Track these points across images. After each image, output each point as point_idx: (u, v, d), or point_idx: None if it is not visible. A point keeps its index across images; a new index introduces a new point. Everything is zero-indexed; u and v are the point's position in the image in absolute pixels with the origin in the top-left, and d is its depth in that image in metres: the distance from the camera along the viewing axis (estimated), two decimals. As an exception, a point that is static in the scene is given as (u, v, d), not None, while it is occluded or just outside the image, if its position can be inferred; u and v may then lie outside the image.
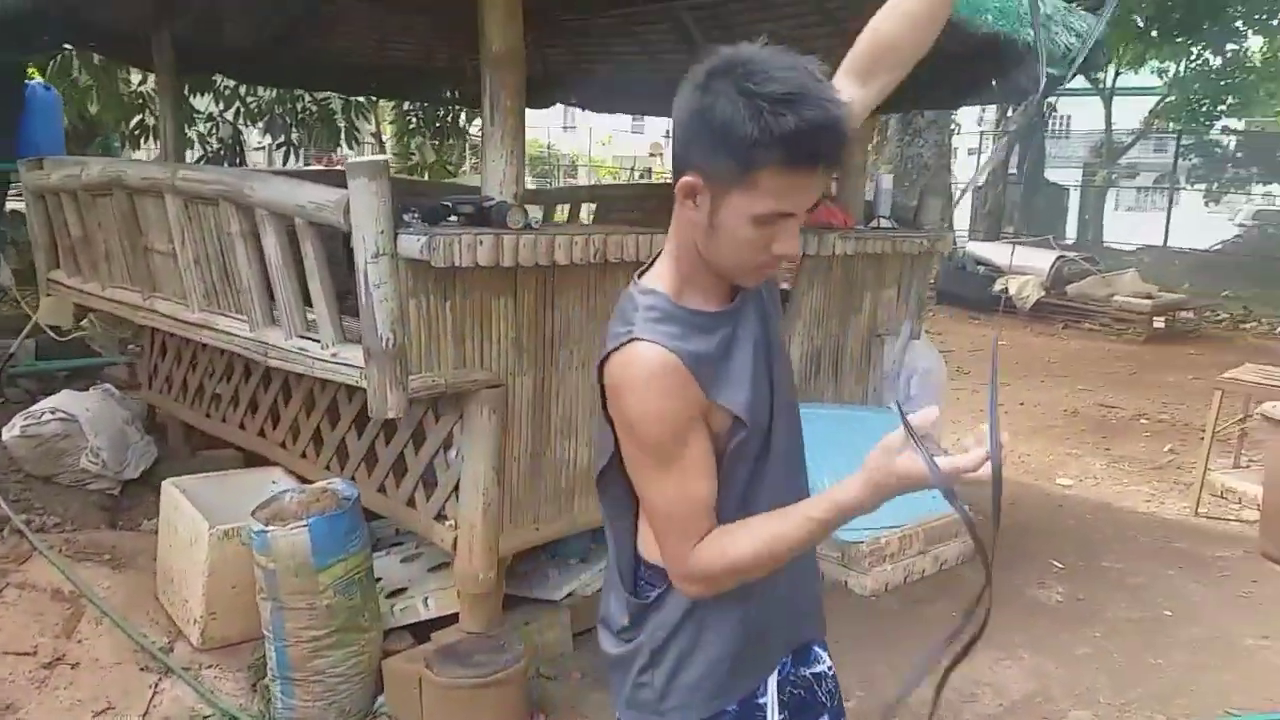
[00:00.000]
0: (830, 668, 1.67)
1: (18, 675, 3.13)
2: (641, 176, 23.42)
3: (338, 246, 3.34)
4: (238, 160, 8.48)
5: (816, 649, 1.66)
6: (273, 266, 3.31)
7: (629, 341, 1.36)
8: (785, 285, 1.68)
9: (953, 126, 14.88)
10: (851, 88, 1.46)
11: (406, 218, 2.99)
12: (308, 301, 3.26)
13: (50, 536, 3.86)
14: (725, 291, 1.44)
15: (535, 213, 6.21)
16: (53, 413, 4.20)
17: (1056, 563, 4.50)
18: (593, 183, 18.97)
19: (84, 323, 5.85)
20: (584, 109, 7.30)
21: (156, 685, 3.16)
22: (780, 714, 1.55)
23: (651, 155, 26.95)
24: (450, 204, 3.11)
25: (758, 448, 1.44)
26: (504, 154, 3.20)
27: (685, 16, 5.29)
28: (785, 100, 1.22)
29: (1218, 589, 4.35)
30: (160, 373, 4.88)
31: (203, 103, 8.25)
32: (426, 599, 3.36)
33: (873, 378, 4.79)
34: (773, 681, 1.56)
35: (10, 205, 6.32)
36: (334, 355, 3.14)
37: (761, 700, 1.54)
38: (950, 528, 4.38)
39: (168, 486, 3.59)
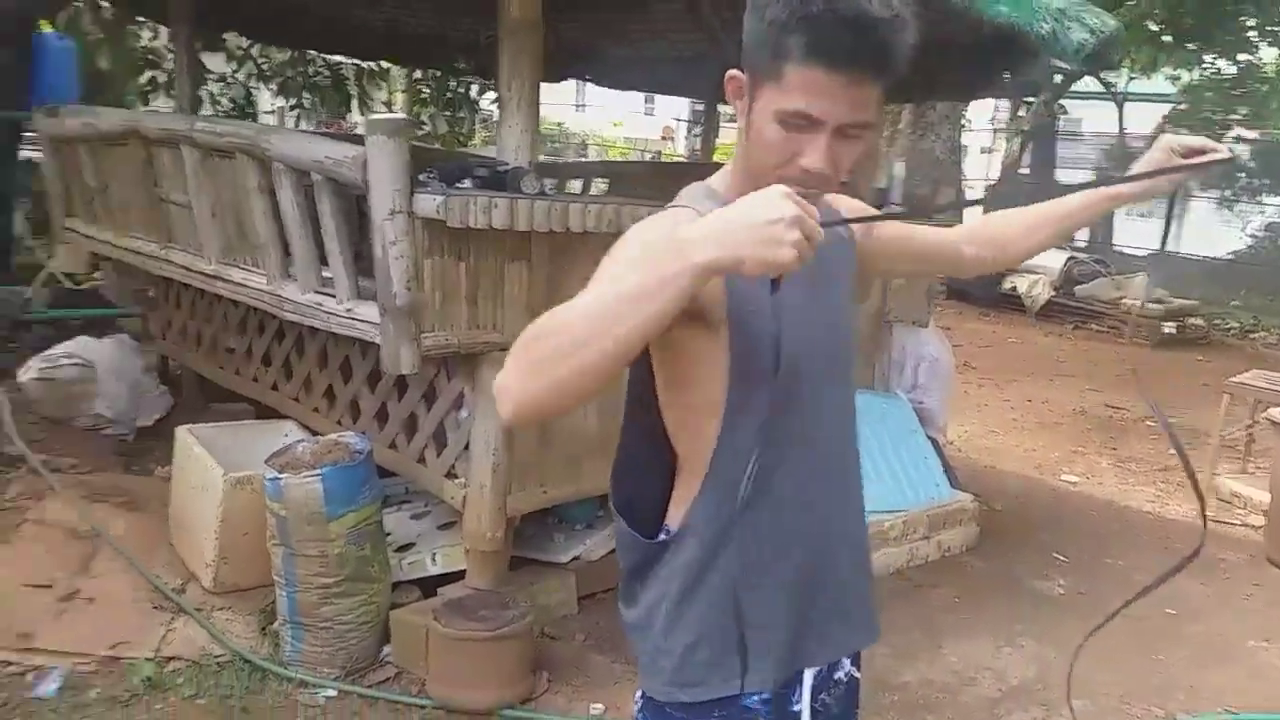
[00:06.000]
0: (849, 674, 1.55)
1: (35, 607, 3.17)
2: (652, 159, 23.32)
3: (353, 205, 3.35)
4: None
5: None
6: (289, 221, 3.31)
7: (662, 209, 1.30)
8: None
9: (964, 123, 14.79)
10: (966, 247, 1.65)
11: (423, 177, 3.00)
12: (323, 257, 3.28)
13: (65, 477, 3.88)
14: None
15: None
16: (69, 358, 4.21)
17: (1060, 555, 4.50)
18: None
19: (97, 274, 5.86)
20: (595, 84, 7.24)
21: (169, 624, 3.20)
22: None
23: (663, 139, 26.72)
24: (467, 167, 3.13)
25: (775, 397, 1.22)
26: (520, 121, 3.19)
27: (701, -1, 5.25)
28: None
29: (1221, 591, 4.34)
30: (175, 325, 4.89)
31: (215, 62, 8.20)
32: (434, 554, 3.38)
33: (881, 363, 4.79)
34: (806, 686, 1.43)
35: (25, 153, 6.30)
36: (349, 311, 3.15)
37: (796, 708, 1.41)
38: (955, 514, 4.39)
39: (182, 433, 3.61)
